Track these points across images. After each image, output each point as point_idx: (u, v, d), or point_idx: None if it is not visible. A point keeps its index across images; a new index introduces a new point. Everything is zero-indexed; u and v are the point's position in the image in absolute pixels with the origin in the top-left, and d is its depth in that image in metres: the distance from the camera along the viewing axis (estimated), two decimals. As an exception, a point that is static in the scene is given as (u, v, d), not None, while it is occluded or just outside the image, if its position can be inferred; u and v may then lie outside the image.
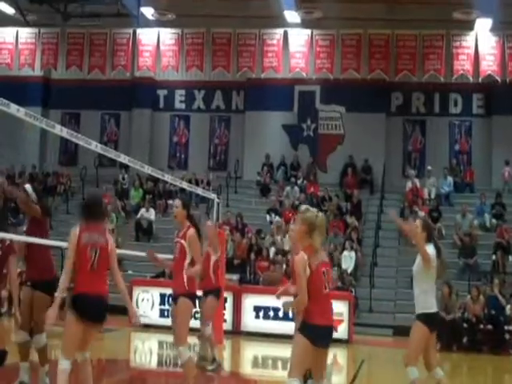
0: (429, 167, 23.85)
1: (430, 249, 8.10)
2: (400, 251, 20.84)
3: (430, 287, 7.98)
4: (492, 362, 14.73)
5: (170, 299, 16.16)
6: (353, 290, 18.09)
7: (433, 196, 23.00)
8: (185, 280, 7.97)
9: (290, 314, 10.95)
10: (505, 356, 15.37)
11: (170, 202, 23.81)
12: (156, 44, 26.17)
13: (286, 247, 19.90)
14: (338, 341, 15.36)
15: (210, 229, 11.33)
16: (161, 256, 8.84)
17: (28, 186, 8.55)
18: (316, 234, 6.39)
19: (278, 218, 21.91)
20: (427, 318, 7.83)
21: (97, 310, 6.83)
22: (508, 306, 16.28)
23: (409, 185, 22.94)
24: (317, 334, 6.27)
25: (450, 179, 23.41)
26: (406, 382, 9.95)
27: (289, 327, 15.31)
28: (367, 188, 24.28)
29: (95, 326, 6.92)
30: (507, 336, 15.93)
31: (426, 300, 7.92)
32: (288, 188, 23.76)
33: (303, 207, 6.70)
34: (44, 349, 8.09)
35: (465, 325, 15.92)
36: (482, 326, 15.91)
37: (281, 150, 25.44)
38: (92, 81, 26.52)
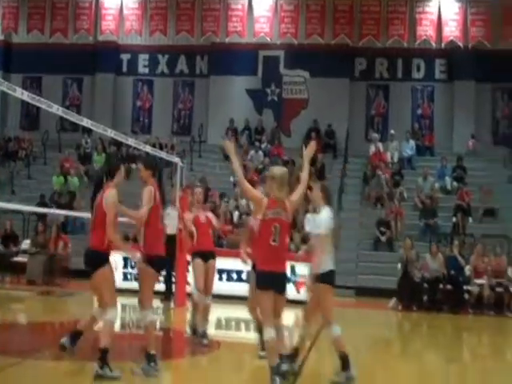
0: (391, 131, 23.86)
1: (327, 212, 7.95)
2: (362, 214, 20.88)
3: (329, 249, 7.94)
4: (451, 321, 14.86)
5: (133, 262, 16.22)
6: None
7: (395, 160, 23.02)
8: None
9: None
10: (464, 315, 15.51)
11: (134, 166, 23.56)
12: (119, 8, 25.69)
13: (251, 208, 19.79)
14: (301, 302, 15.37)
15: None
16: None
17: None
18: (274, 187, 7.05)
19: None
20: (326, 277, 7.91)
21: None
22: (467, 267, 16.41)
23: (372, 149, 22.92)
24: (263, 279, 6.98)
25: (412, 143, 23.45)
26: (367, 341, 9.98)
27: (252, 289, 15.34)
28: (331, 152, 24.24)
29: None
30: (466, 296, 16.09)
31: (325, 261, 7.87)
32: (252, 152, 23.60)
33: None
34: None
35: (425, 285, 16.02)
36: (441, 286, 16.03)
37: (245, 114, 25.24)
38: (54, 45, 26.02)
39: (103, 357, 7.43)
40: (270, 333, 6.96)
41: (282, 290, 7.13)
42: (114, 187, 7.83)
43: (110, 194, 7.72)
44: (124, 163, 8.62)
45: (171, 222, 14.93)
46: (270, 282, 6.98)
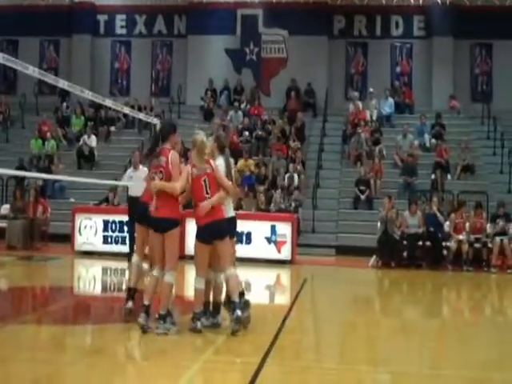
0: (370, 89, 23.68)
1: (219, 161, 8.07)
2: (342, 173, 20.80)
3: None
4: (431, 277, 14.90)
5: (113, 226, 16.12)
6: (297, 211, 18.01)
7: (374, 118, 22.86)
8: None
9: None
10: (443, 271, 15.55)
11: (112, 128, 23.32)
12: (95, -33, 25.13)
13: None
14: (282, 262, 15.38)
15: None
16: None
17: None
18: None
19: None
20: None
21: None
22: (446, 223, 16.41)
23: (351, 107, 22.74)
24: (203, 232, 7.74)
25: (391, 100, 23.30)
26: (348, 298, 9.96)
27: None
28: (310, 111, 24.06)
29: None
30: (445, 252, 16.12)
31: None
32: (232, 112, 23.37)
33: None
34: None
35: (404, 242, 16.02)
36: (421, 243, 16.03)
37: (224, 74, 24.95)
38: (29, 6, 25.57)
39: (163, 316, 7.77)
40: (199, 282, 7.86)
41: (222, 236, 7.81)
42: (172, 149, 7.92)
43: (175, 155, 7.81)
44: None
45: (135, 183, 14.83)
46: (211, 232, 7.74)
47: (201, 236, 7.81)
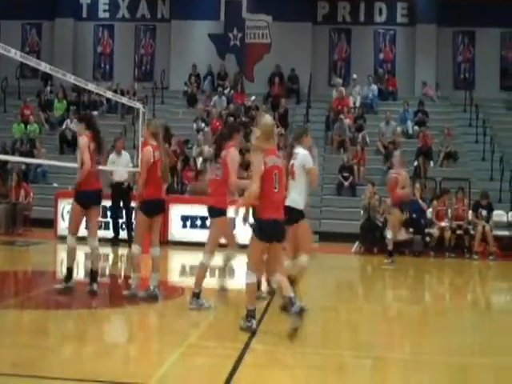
0: (354, 76, 23.65)
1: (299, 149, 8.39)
2: (326, 159, 20.77)
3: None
4: (413, 264, 14.96)
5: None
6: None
7: (358, 104, 22.87)
8: None
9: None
10: (425, 258, 15.63)
11: (95, 113, 23.13)
12: None
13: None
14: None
15: None
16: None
17: None
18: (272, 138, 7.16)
19: (205, 126, 21.52)
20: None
21: None
22: (429, 210, 16.46)
23: (334, 93, 22.71)
24: (266, 227, 6.99)
25: (374, 87, 23.29)
26: (331, 284, 9.99)
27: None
28: (294, 97, 24.02)
29: None
30: (428, 238, 16.18)
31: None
32: (215, 98, 23.27)
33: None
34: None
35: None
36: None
37: (207, 59, 24.83)
38: (11, -11, 25.19)
39: (197, 294, 8.27)
40: (251, 278, 7.13)
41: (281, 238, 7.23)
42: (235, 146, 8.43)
43: (234, 152, 8.31)
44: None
45: (119, 168, 14.80)
46: (276, 230, 7.09)
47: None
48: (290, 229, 7.92)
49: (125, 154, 15.39)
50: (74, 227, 9.15)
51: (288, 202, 7.94)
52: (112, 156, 15.12)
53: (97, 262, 9.27)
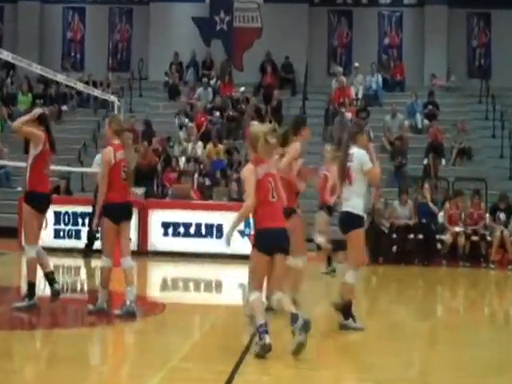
0: (356, 64, 23.76)
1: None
2: (324, 157, 20.82)
3: None
4: (423, 274, 15.04)
5: (66, 218, 16.02)
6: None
7: (360, 95, 22.98)
8: None
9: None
10: (436, 267, 15.70)
11: (64, 108, 23.15)
12: None
13: (199, 153, 19.67)
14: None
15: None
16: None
17: None
18: (260, 146, 7.28)
19: (188, 121, 21.55)
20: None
21: None
22: (440, 214, 16.54)
23: (334, 84, 22.79)
24: (265, 237, 7.20)
25: (378, 76, 23.38)
26: (328, 297, 10.03)
27: (201, 245, 15.29)
28: (288, 88, 24.11)
29: None
30: (439, 246, 16.26)
31: None
32: (200, 89, 23.32)
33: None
34: None
35: (394, 235, 16.13)
36: (412, 236, 16.14)
37: (191, 46, 24.90)
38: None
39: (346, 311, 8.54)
40: (255, 295, 7.23)
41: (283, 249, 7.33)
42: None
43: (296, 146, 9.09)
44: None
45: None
46: (276, 240, 7.24)
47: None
48: (347, 236, 8.47)
49: None
50: (33, 235, 9.15)
51: (346, 208, 8.45)
52: (98, 157, 15.03)
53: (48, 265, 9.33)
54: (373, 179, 8.70)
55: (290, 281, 8.86)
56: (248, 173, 7.37)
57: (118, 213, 8.88)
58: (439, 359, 7.65)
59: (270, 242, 7.19)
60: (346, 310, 8.51)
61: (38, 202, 9.06)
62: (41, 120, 9.17)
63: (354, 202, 8.41)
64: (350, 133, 8.91)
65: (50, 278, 9.23)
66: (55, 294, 9.17)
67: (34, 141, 9.01)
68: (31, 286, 9.08)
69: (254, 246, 7.40)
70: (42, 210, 9.17)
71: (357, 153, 8.48)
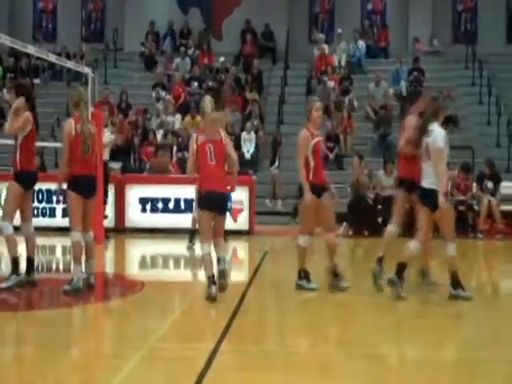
0: (338, 30, 23.69)
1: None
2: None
3: None
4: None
5: (40, 195, 15.88)
6: (252, 173, 18.04)
7: (343, 63, 22.93)
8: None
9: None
10: (423, 239, 15.70)
11: (37, 81, 22.92)
12: None
13: (177, 126, 19.55)
14: (238, 232, 15.38)
15: None
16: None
17: None
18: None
19: (166, 94, 21.43)
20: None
21: None
22: (426, 183, 16.52)
23: (316, 51, 22.71)
24: (206, 198, 8.55)
25: (361, 43, 23.32)
26: (316, 273, 10.03)
27: (181, 220, 15.22)
28: (269, 57, 24.03)
29: None
30: (426, 216, 16.26)
31: None
32: (177, 60, 23.22)
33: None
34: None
35: (379, 206, 16.14)
36: (398, 207, 16.12)
37: (168, 15, 24.76)
38: None
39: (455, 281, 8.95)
40: (206, 249, 8.57)
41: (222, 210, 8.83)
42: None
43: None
44: None
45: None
46: (216, 201, 8.64)
47: None
48: (436, 214, 8.80)
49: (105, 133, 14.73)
50: (13, 212, 9.30)
51: (428, 185, 8.75)
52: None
53: (33, 250, 9.46)
54: (437, 159, 8.72)
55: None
56: (191, 140, 8.81)
57: (81, 186, 9.00)
58: (429, 334, 7.64)
59: (210, 204, 8.55)
60: (455, 281, 8.95)
61: (28, 180, 9.30)
62: (27, 96, 9.31)
63: (434, 178, 8.66)
64: (432, 108, 9.02)
65: (28, 265, 9.33)
66: (31, 283, 9.29)
67: (25, 127, 9.16)
68: (15, 261, 9.21)
69: (199, 205, 8.74)
70: (30, 187, 9.38)
71: (436, 130, 8.70)
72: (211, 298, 8.35)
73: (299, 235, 9.46)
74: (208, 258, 8.57)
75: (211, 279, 8.44)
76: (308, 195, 9.27)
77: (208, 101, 9.00)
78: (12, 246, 9.22)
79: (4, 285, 9.14)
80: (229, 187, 8.95)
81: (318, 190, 9.40)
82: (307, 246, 9.47)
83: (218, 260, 8.66)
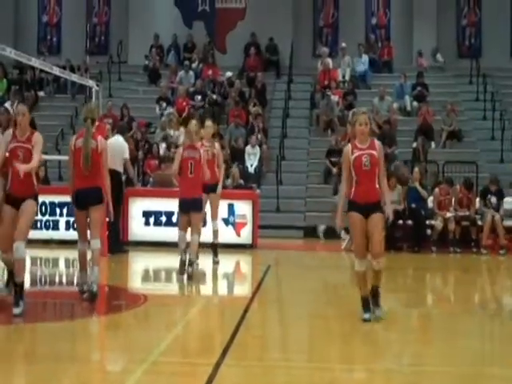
0: (343, 44, 23.75)
1: None
2: (311, 142, 20.89)
3: None
4: (412, 261, 15.06)
5: (44, 208, 15.91)
6: (256, 187, 18.10)
7: (347, 77, 22.96)
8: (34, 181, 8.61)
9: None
10: (426, 254, 15.73)
11: (41, 94, 23.04)
12: None
13: (180, 141, 19.57)
14: (241, 246, 15.41)
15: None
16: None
17: None
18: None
19: (170, 107, 21.50)
20: None
21: None
22: (430, 198, 16.56)
23: (320, 65, 22.77)
24: (181, 204, 11.37)
25: (365, 57, 23.36)
26: (319, 287, 10.07)
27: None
28: (273, 70, 24.08)
29: None
30: (429, 231, 16.28)
31: None
32: (181, 73, 23.28)
33: None
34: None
35: (383, 221, 16.11)
36: (401, 222, 16.14)
37: (172, 28, 24.86)
38: None
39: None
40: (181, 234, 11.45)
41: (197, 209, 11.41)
42: None
43: None
44: None
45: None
46: (188, 205, 11.27)
47: None
48: None
49: (116, 139, 14.38)
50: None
51: None
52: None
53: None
54: None
55: None
56: (177, 153, 11.49)
57: (78, 199, 9.20)
58: (430, 349, 7.66)
59: (186, 207, 11.24)
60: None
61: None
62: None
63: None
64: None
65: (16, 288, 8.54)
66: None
67: None
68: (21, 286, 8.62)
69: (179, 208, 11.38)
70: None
71: None
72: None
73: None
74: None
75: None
76: (338, 214, 8.55)
77: (193, 124, 11.53)
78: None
79: (17, 311, 8.44)
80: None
81: (360, 207, 8.30)
82: (360, 270, 8.44)
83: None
